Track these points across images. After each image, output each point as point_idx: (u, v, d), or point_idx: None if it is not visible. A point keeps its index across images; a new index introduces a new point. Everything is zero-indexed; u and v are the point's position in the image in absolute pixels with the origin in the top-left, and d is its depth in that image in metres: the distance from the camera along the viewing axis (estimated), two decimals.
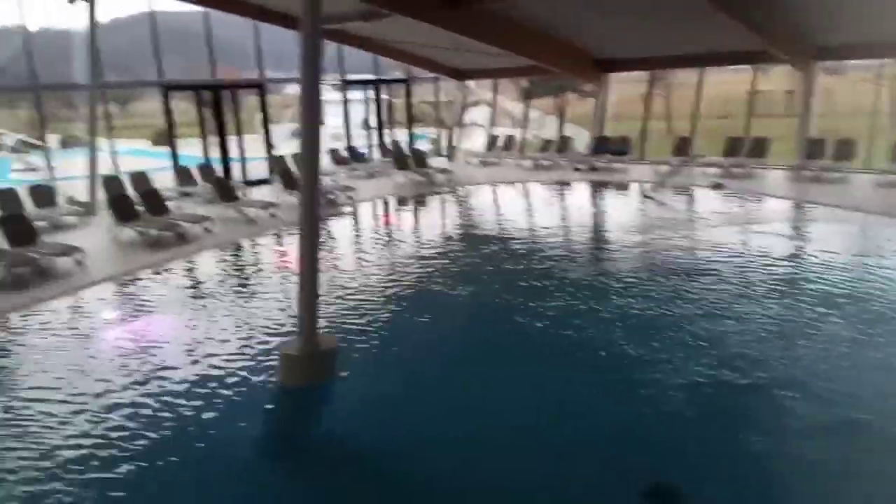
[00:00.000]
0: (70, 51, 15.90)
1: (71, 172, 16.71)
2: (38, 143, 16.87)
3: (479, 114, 26.22)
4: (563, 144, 21.78)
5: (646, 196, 15.87)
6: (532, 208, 17.11)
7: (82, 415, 6.15)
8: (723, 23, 13.20)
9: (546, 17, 15.51)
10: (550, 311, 8.53)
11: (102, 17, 15.54)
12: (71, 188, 15.72)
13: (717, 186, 16.17)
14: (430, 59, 22.03)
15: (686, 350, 7.07)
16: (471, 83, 24.48)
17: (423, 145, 25.04)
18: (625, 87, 22.59)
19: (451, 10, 14.14)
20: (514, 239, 13.03)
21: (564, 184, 18.63)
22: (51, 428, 5.91)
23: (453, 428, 5.80)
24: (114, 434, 5.82)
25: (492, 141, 23.57)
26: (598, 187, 18.19)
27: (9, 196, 13.78)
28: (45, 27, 14.77)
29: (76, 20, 15.24)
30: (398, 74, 24.22)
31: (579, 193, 18.10)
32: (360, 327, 8.19)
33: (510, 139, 23.21)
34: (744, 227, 12.94)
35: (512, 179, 19.57)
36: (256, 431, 6.11)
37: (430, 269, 10.83)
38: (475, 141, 25.10)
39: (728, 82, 23.24)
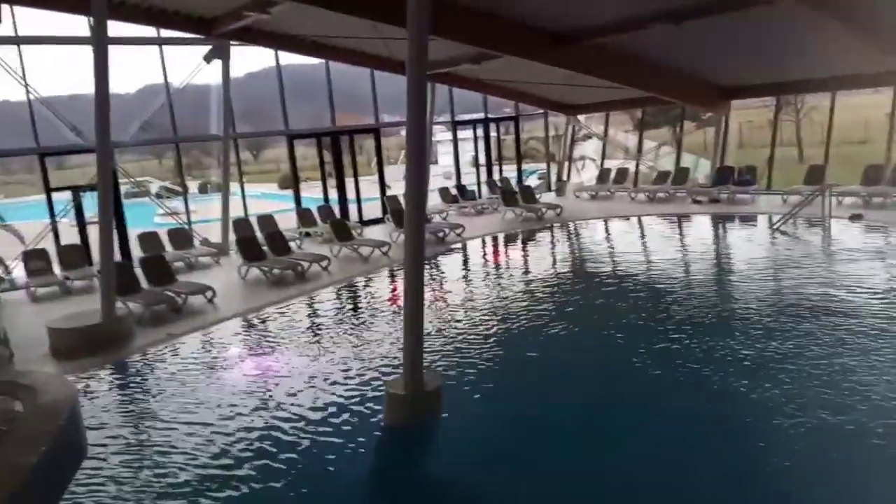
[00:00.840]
0: (207, 105, 17.49)
1: (207, 216, 18.22)
2: (179, 189, 18.56)
3: (589, 147, 25.81)
4: (681, 176, 20.86)
5: (774, 229, 14.75)
6: (647, 243, 16.41)
7: (204, 443, 6.52)
8: (855, 44, 12.20)
9: (660, 48, 15.09)
10: (666, 352, 8.06)
11: (236, 71, 17.06)
12: (206, 230, 17.09)
13: (855, 217, 14.74)
14: (539, 96, 22.08)
15: (815, 397, 6.38)
16: (581, 117, 24.21)
17: (532, 181, 24.98)
18: (748, 113, 21.38)
19: (559, 48, 14.11)
20: (628, 275, 12.53)
21: (683, 217, 17.78)
22: (175, 450, 6.32)
23: (559, 474, 5.56)
24: (229, 460, 6.13)
25: (603, 174, 23.04)
26: (720, 220, 17.18)
27: (151, 239, 15.22)
28: (185, 84, 16.24)
29: (212, 76, 16.82)
30: (507, 112, 24.46)
31: (699, 227, 17.17)
32: (466, 366, 8.14)
33: (623, 172, 22.58)
34: (886, 262, 11.63)
35: (625, 213, 18.95)
36: (361, 469, 6.17)
37: (539, 307, 10.63)
38: (586, 175, 24.68)
39: (865, 105, 21.36)
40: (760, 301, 9.93)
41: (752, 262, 12.34)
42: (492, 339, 9.20)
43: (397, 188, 20.85)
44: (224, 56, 16.20)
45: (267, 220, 16.86)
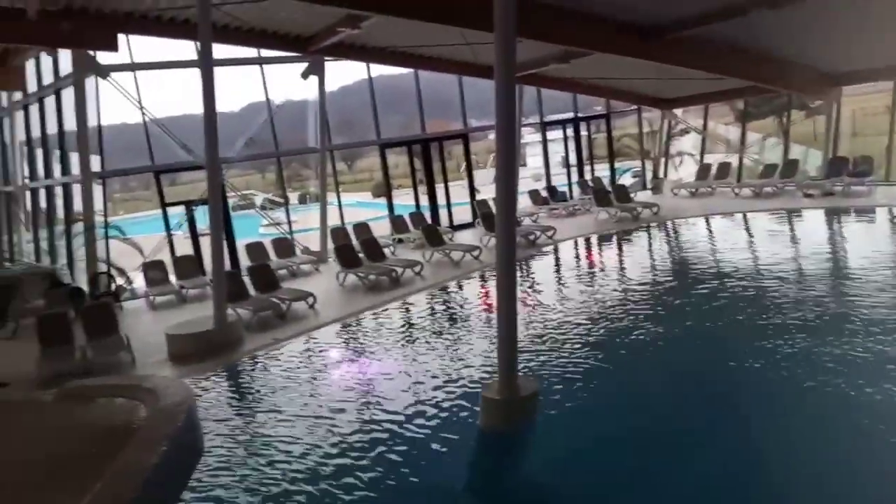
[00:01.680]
0: (304, 119, 18.26)
1: (307, 225, 19.00)
2: (281, 200, 19.48)
3: (687, 142, 24.73)
4: (790, 168, 19.56)
5: None
6: (753, 241, 15.48)
7: (309, 442, 6.78)
8: None
9: (761, 34, 14.24)
10: (777, 356, 7.56)
11: (330, 85, 17.70)
12: (306, 239, 17.83)
13: None
14: (632, 91, 21.44)
15: None
16: (677, 111, 23.25)
17: (626, 180, 24.26)
18: (862, 99, 19.74)
19: (652, 41, 13.63)
20: (732, 276, 11.88)
21: (793, 212, 16.65)
22: (282, 450, 6.61)
23: (657, 484, 5.35)
24: (329, 460, 6.36)
25: (703, 169, 22.00)
26: (835, 215, 15.94)
27: (257, 249, 16.06)
28: (285, 100, 17.06)
29: (308, 92, 17.54)
30: (598, 110, 23.90)
31: (811, 222, 16.01)
32: (561, 371, 8.01)
33: (725, 166, 21.45)
34: None
35: (728, 210, 17.98)
36: (456, 472, 6.20)
37: (637, 311, 10.29)
38: (684, 171, 23.66)
39: None
40: (880, 302, 9.11)
41: (873, 259, 11.35)
42: (587, 343, 9.00)
43: (486, 192, 20.89)
44: (319, 71, 16.87)
45: (362, 228, 17.36)
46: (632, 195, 19.98)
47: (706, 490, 5.24)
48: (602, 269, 14.47)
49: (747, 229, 16.56)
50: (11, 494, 3.60)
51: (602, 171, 23.69)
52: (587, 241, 17.00)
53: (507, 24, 6.30)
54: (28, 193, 18.23)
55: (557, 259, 15.63)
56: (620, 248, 16.15)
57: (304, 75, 16.76)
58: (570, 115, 22.86)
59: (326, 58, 16.60)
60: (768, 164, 20.47)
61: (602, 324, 9.80)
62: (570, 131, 23.02)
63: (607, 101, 22.99)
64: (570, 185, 22.86)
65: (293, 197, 24.47)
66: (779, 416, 6.25)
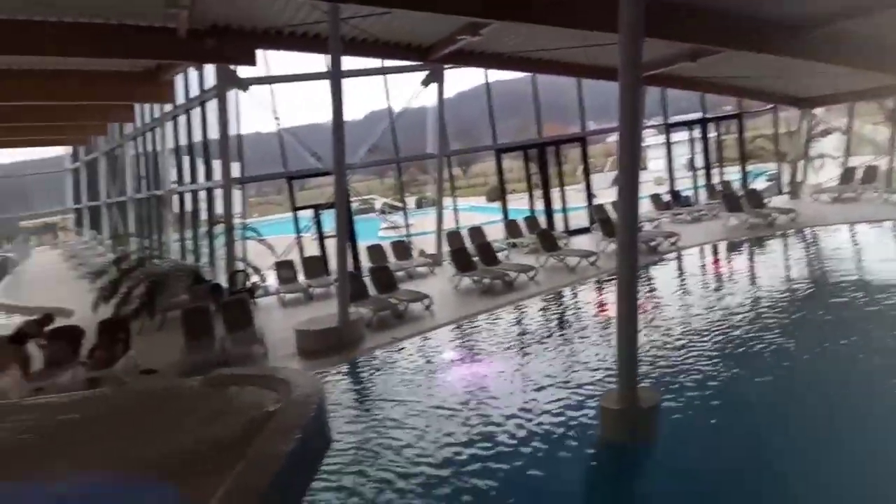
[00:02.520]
0: (423, 125, 18.73)
1: (423, 228, 19.47)
2: (399, 205, 20.09)
3: (829, 143, 22.73)
4: None
5: None
6: None
7: (425, 438, 6.93)
8: None
9: None
10: None
11: (449, 92, 18.06)
12: (423, 243, 18.26)
13: None
14: (767, 90, 20.03)
15: None
16: (818, 110, 21.45)
17: (759, 184, 22.71)
18: None
19: (792, 36, 12.66)
20: (880, 291, 10.76)
21: None
22: (402, 443, 6.80)
23: None
24: (445, 459, 6.44)
25: (848, 173, 20.13)
26: None
27: (377, 251, 16.66)
28: (405, 108, 17.54)
29: (427, 99, 17.97)
30: (728, 109, 22.57)
31: None
32: (684, 384, 7.64)
33: (871, 170, 19.50)
34: None
35: (876, 218, 16.33)
36: (572, 484, 6.09)
37: (769, 323, 9.60)
38: (825, 175, 21.77)
39: None
40: None
41: None
42: (713, 355, 8.51)
43: (603, 196, 20.35)
44: (439, 79, 17.25)
45: (477, 232, 17.51)
46: (766, 200, 18.69)
47: None
48: (730, 278, 13.62)
49: None
50: (165, 475, 3.97)
51: (732, 174, 22.33)
52: (714, 248, 16.10)
53: (633, 23, 6.12)
54: (175, 197, 20.05)
55: (681, 266, 14.92)
56: (752, 257, 15.14)
57: (425, 83, 17.20)
58: (698, 115, 21.77)
59: (445, 66, 16.92)
60: None
61: (729, 335, 9.23)
62: (696, 133, 21.90)
63: (739, 101, 21.66)
64: (695, 189, 21.76)
65: (410, 201, 25.13)
66: None
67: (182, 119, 18.28)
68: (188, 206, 18.99)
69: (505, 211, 19.49)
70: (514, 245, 17.99)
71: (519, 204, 20.91)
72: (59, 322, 11.58)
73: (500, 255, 15.61)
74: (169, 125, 19.62)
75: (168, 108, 18.99)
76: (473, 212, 24.71)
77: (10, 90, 14.13)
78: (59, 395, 7.96)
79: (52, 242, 37.59)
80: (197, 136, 17.39)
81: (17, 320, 13.69)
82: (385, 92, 17.55)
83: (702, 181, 21.80)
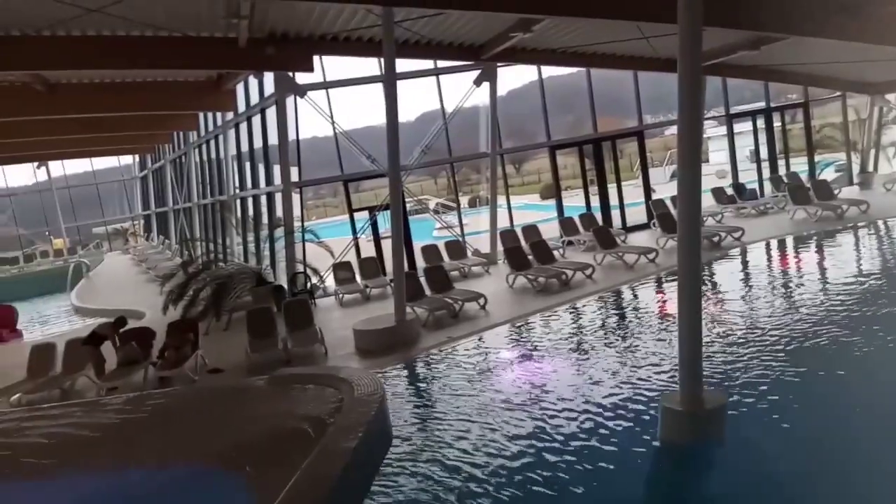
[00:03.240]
0: (476, 124, 18.73)
1: (477, 228, 19.47)
2: (452, 204, 20.15)
3: None
4: None
5: None
6: None
7: (483, 438, 6.93)
8: None
9: None
10: None
11: (501, 90, 17.99)
12: (477, 242, 18.26)
13: None
14: (835, 76, 19.13)
15: None
16: (890, 96, 20.33)
17: (828, 174, 21.73)
18: None
19: (862, 17, 12.06)
20: None
21: None
22: (461, 442, 6.83)
23: None
24: (503, 458, 6.42)
25: None
26: None
27: (431, 251, 16.77)
28: (458, 108, 17.57)
29: (478, 98, 17.94)
30: (793, 98, 21.67)
31: None
32: (751, 384, 7.38)
33: None
34: None
35: None
36: (634, 487, 5.98)
37: (838, 321, 9.16)
38: None
39: None
40: None
41: None
42: (781, 355, 8.19)
43: (662, 191, 19.87)
44: (491, 78, 17.22)
45: (531, 230, 17.39)
46: (835, 192, 17.86)
47: None
48: (799, 275, 13.07)
49: None
50: (233, 468, 4.12)
51: (799, 165, 21.43)
52: (781, 242, 15.48)
53: (692, 12, 5.96)
54: (238, 202, 20.71)
55: (745, 262, 14.42)
56: (821, 251, 14.48)
57: (478, 82, 17.20)
58: (761, 105, 20.99)
59: (498, 63, 16.86)
60: None
61: (798, 334, 8.86)
62: (760, 123, 21.10)
63: (805, 89, 20.77)
64: (760, 181, 20.98)
65: (464, 201, 25.19)
66: None
67: (243, 126, 18.87)
68: (250, 211, 19.58)
69: (560, 208, 19.27)
70: (570, 243, 17.78)
71: (574, 201, 20.65)
72: (131, 324, 12.13)
73: (555, 254, 15.45)
74: (231, 132, 20.29)
75: (230, 115, 19.63)
76: (528, 210, 24.55)
77: (84, 103, 14.97)
78: (133, 393, 8.36)
79: (123, 248, 39.43)
80: (258, 143, 17.91)
81: (92, 323, 14.44)
82: (438, 92, 17.64)
83: (767, 173, 20.99)
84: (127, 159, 38.61)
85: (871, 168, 20.86)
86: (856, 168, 21.40)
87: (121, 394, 9.49)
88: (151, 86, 15.34)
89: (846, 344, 8.26)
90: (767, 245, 15.38)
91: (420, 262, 16.44)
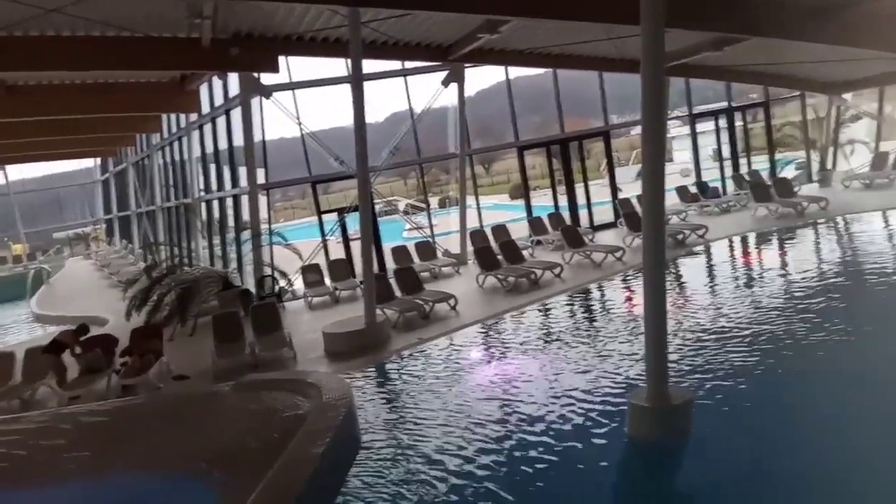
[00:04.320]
0: (444, 125, 18.73)
1: (447, 228, 19.48)
2: (422, 205, 20.12)
3: (860, 129, 22.20)
4: None
5: None
6: None
7: (454, 438, 6.92)
8: None
9: None
10: None
11: (469, 91, 18.02)
12: (447, 242, 18.26)
13: None
14: (794, 76, 19.62)
15: None
16: (847, 95, 20.95)
17: (788, 172, 22.28)
18: None
19: (819, 20, 12.37)
20: None
21: None
22: (431, 443, 6.81)
23: None
24: (473, 456, 6.42)
25: (880, 159, 19.65)
26: None
27: (401, 252, 16.72)
28: (426, 108, 17.53)
29: (447, 99, 17.95)
30: (754, 98, 22.17)
31: None
32: (717, 379, 7.51)
33: None
34: None
35: None
36: (602, 482, 6.03)
37: (801, 317, 9.38)
38: (856, 161, 21.26)
39: None
40: None
41: None
42: (745, 351, 8.34)
43: (628, 190, 20.14)
44: (459, 79, 17.24)
45: (500, 230, 17.46)
46: (795, 189, 18.32)
47: None
48: (761, 272, 13.37)
49: None
50: (198, 476, 4.04)
51: (760, 163, 21.93)
52: (743, 239, 15.83)
53: (655, 14, 6.04)
54: (203, 205, 20.36)
55: (709, 259, 14.70)
56: (782, 248, 14.84)
57: (446, 83, 17.20)
58: (724, 104, 21.43)
59: (466, 64, 16.89)
60: None
61: (761, 330, 9.04)
62: (722, 122, 21.54)
63: (765, 89, 21.27)
64: (722, 179, 21.41)
65: (433, 201, 25.16)
66: None
67: (208, 128, 18.56)
68: (216, 214, 19.27)
69: (529, 208, 19.39)
70: (539, 242, 17.90)
71: (542, 201, 20.79)
72: (94, 331, 11.83)
73: (524, 253, 15.54)
74: (195, 134, 19.94)
75: (194, 117, 19.29)
76: (497, 210, 24.64)
77: (42, 105, 14.55)
78: (96, 402, 8.14)
79: (85, 253, 38.44)
80: (222, 144, 17.64)
81: (53, 331, 14.04)
82: (406, 93, 17.61)
83: (729, 171, 21.44)
84: (88, 162, 37.65)
85: (829, 166, 21.44)
86: (815, 166, 21.98)
87: (83, 403, 9.25)
88: (113, 87, 14.97)
89: (808, 338, 8.46)
90: (730, 242, 15.71)
91: (390, 264, 16.39)
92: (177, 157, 22.23)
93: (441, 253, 17.61)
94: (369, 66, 14.89)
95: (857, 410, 6.33)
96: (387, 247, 17.20)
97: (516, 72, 18.91)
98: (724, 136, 21.66)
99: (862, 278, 11.20)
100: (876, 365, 7.26)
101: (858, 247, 13.88)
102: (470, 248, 16.74)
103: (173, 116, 21.20)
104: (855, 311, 9.43)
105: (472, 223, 18.29)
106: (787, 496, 5.19)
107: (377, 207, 18.63)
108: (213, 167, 19.17)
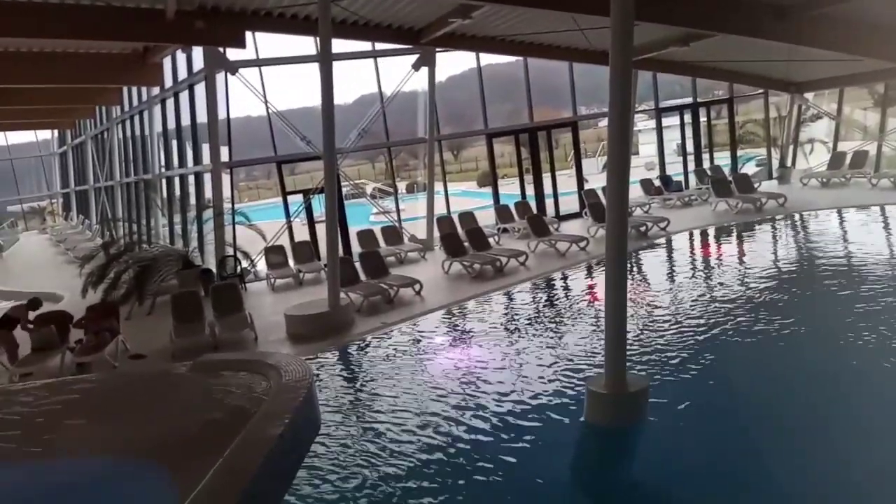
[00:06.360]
0: (414, 110, 18.61)
1: (414, 214, 19.43)
2: (390, 190, 20.03)
3: (819, 128, 22.84)
4: None
5: None
6: (893, 237, 14.11)
7: (413, 422, 6.97)
8: None
9: None
10: None
11: (440, 76, 17.92)
12: (413, 228, 18.22)
13: None
14: (758, 74, 20.05)
15: None
16: (808, 95, 21.51)
17: (749, 169, 22.81)
18: None
19: (785, 20, 12.64)
20: (867, 275, 10.87)
21: None
22: (390, 426, 6.85)
23: (771, 493, 5.07)
24: (430, 441, 6.49)
25: (837, 158, 20.27)
26: None
27: (368, 236, 16.63)
28: (396, 92, 17.39)
29: (417, 83, 17.82)
30: (719, 94, 22.59)
31: None
32: (673, 370, 7.71)
33: (861, 155, 19.64)
34: None
35: (865, 203, 16.49)
36: (558, 467, 6.15)
37: (756, 309, 9.68)
38: (814, 160, 21.89)
39: None
40: None
41: None
42: (701, 340, 8.59)
43: (595, 181, 20.37)
44: (430, 63, 17.12)
45: (468, 217, 17.49)
46: (755, 185, 18.78)
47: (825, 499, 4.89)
48: (719, 264, 13.72)
49: (885, 224, 15.10)
50: (154, 459, 3.97)
51: (723, 159, 22.40)
52: (703, 233, 16.19)
53: (624, 7, 6.10)
54: (164, 181, 19.89)
55: (670, 251, 15.00)
56: (741, 242, 15.23)
57: (416, 67, 17.07)
58: (689, 100, 21.77)
59: (437, 49, 16.79)
60: None
61: (718, 321, 9.31)
62: (687, 117, 21.90)
63: (730, 86, 21.68)
64: (685, 174, 21.82)
65: (401, 186, 25.06)
66: None
67: (170, 102, 18.08)
68: (177, 191, 18.83)
69: (496, 196, 19.46)
70: (505, 230, 18.00)
71: (510, 189, 20.89)
72: (48, 307, 11.50)
73: (490, 241, 15.62)
74: (157, 108, 19.41)
75: (156, 91, 18.76)
76: (464, 197, 24.67)
77: None
78: (48, 380, 7.92)
79: (40, 227, 37.25)
80: (185, 120, 17.21)
81: (4, 305, 13.61)
82: (376, 76, 17.41)
83: (692, 166, 21.86)
84: (45, 134, 36.36)
85: (789, 163, 22.02)
86: (775, 163, 22.55)
87: (35, 380, 9.00)
88: (72, 57, 14.46)
89: (765, 328, 8.74)
90: (690, 235, 16.05)
91: (356, 247, 16.28)
92: (138, 132, 21.62)
93: (407, 238, 17.57)
94: (339, 45, 14.66)
95: (805, 397, 6.59)
96: (353, 230, 17.07)
97: (487, 59, 18.90)
98: (689, 131, 22.04)
99: (815, 274, 11.57)
100: (825, 355, 7.56)
101: (813, 242, 14.33)
102: (436, 233, 16.74)
103: (135, 89, 20.58)
104: (807, 303, 9.76)
105: (439, 209, 18.27)
106: (741, 480, 5.36)
107: (344, 190, 18.45)
108: (174, 143, 18.71)
